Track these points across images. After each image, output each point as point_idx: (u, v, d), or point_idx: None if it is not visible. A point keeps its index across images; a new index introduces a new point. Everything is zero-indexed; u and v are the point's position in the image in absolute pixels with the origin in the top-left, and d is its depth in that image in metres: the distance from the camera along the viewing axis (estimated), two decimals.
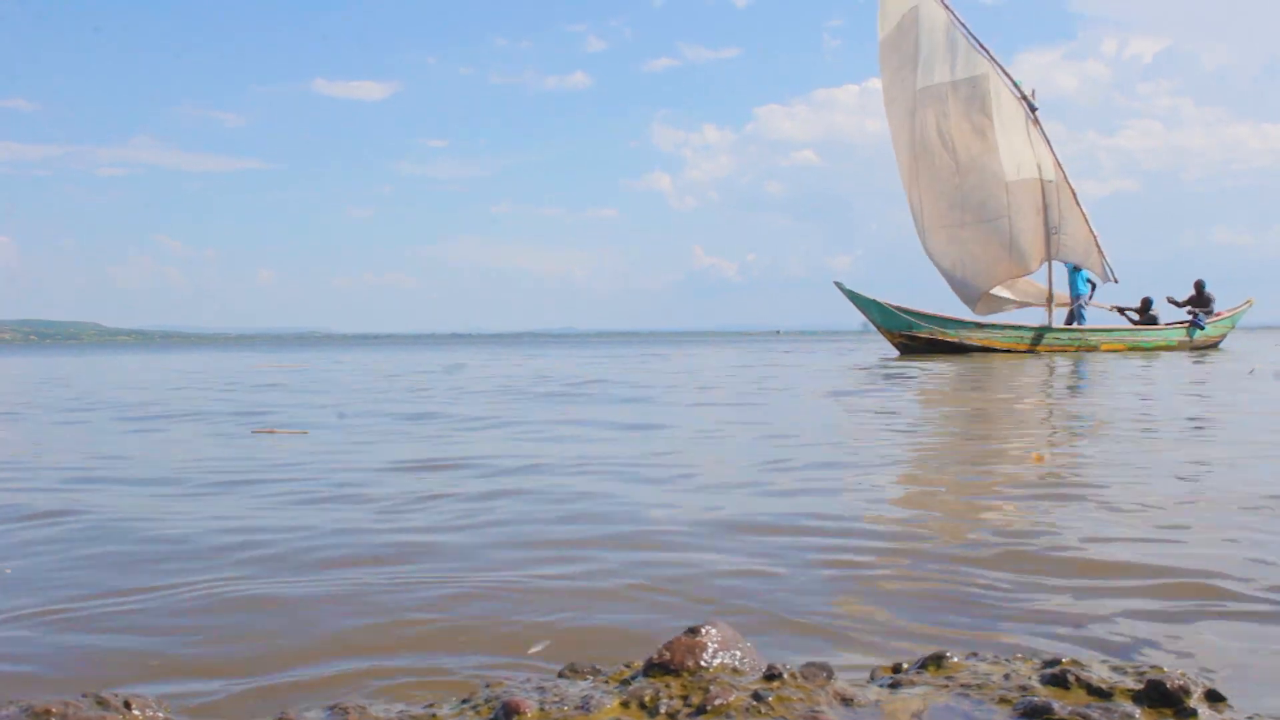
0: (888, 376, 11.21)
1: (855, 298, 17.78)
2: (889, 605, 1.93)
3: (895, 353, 17.88)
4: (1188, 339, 19.76)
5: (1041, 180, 18.76)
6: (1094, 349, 18.35)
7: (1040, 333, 18.23)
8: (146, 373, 16.73)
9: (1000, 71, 18.74)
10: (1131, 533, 2.56)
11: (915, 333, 17.65)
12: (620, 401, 8.01)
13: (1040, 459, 3.77)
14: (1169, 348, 19.30)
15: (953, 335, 17.69)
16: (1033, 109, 19.05)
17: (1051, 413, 6.57)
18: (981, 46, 18.66)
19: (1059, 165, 18.89)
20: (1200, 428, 5.35)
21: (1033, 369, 12.13)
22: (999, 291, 19.09)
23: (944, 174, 18.59)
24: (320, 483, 3.66)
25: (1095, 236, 18.80)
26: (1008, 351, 17.57)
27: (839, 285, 17.76)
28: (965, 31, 18.67)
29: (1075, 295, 19.18)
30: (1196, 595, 1.97)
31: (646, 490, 3.44)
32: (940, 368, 12.62)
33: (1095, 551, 2.34)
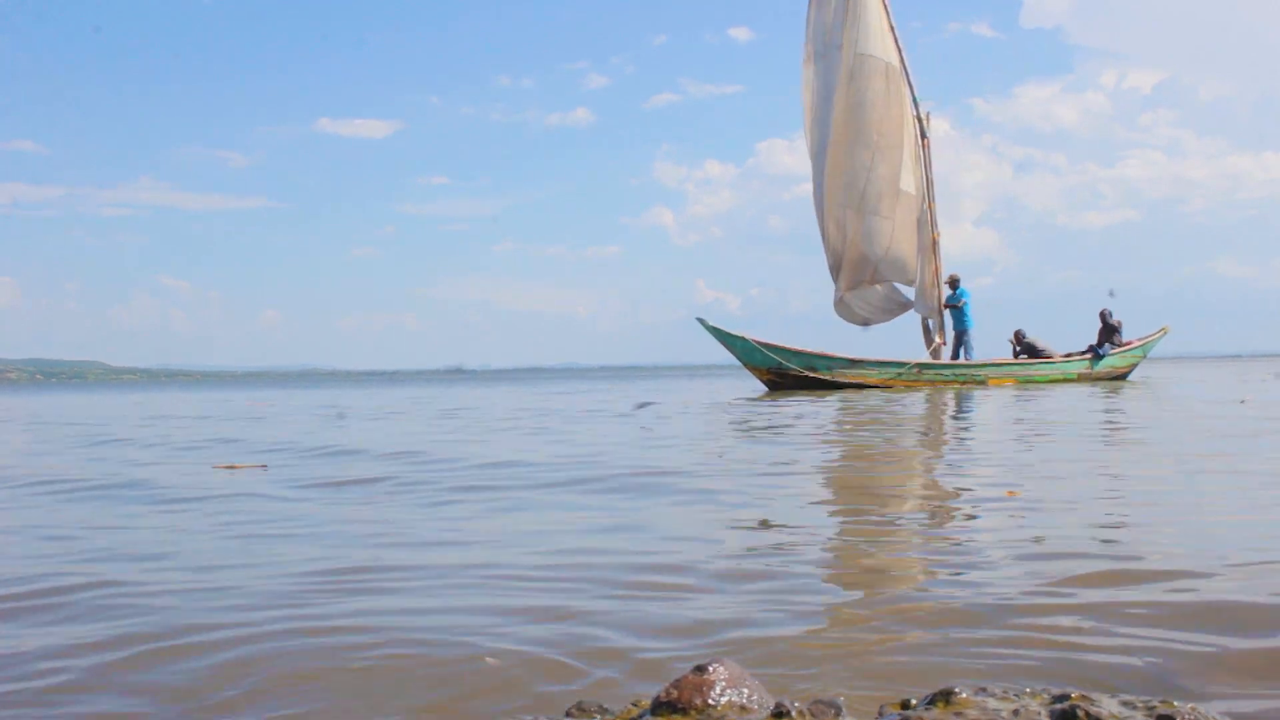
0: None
1: (718, 334, 16.87)
2: (895, 640, 1.88)
3: (764, 389, 16.98)
4: (1089, 371, 18.77)
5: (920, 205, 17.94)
6: (980, 383, 17.40)
7: (920, 367, 17.29)
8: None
9: (907, 78, 17.70)
10: (1135, 564, 2.43)
11: (784, 369, 16.75)
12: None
13: (1014, 494, 3.72)
14: (1068, 381, 18.32)
15: (824, 372, 16.77)
16: (923, 135, 18.19)
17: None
18: (897, 44, 17.55)
19: (932, 204, 18.05)
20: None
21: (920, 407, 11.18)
22: (850, 299, 18.13)
23: (856, 149, 17.30)
24: None
25: (940, 292, 18.02)
26: (882, 388, 16.64)
27: (701, 321, 16.89)
28: (888, 16, 17.43)
29: (961, 328, 18.26)
30: (1206, 625, 1.89)
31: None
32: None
33: (1096, 580, 2.26)
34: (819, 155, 17.59)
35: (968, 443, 6.59)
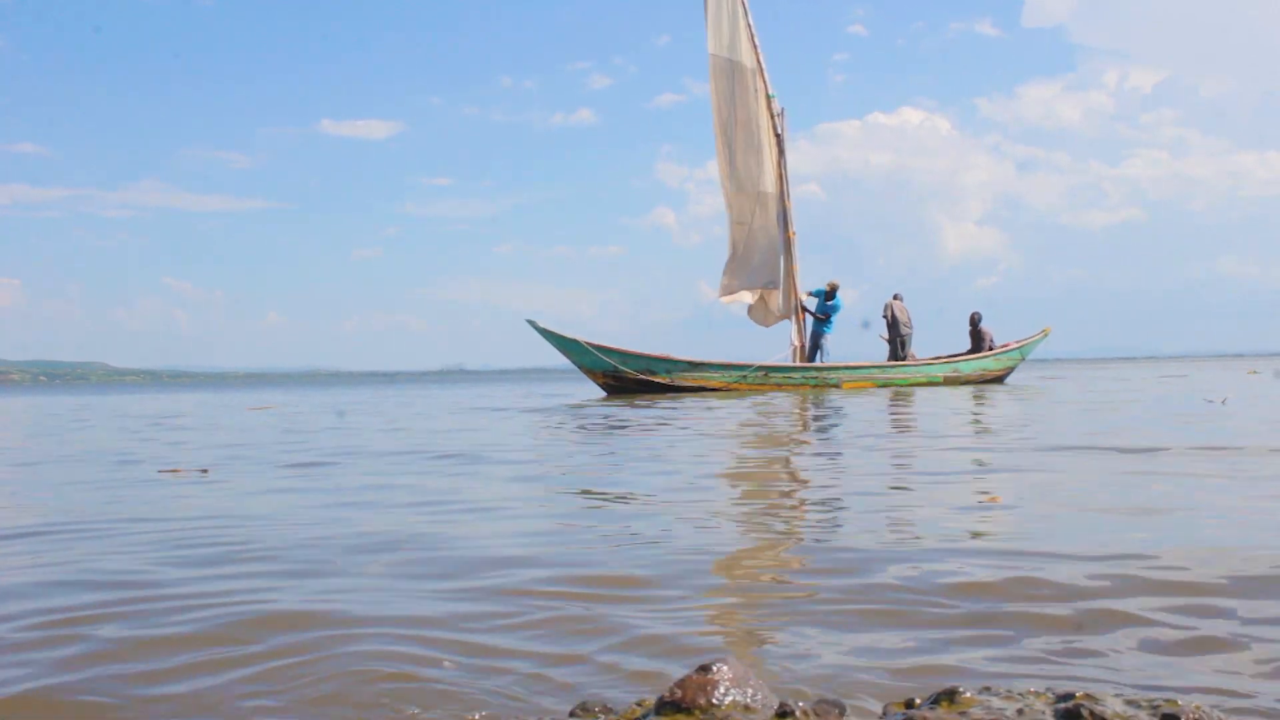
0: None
1: (551, 337, 16.31)
2: (897, 639, 1.87)
3: (602, 394, 16.43)
4: (956, 374, 18.14)
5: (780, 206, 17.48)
6: (834, 387, 16.82)
7: (765, 371, 16.72)
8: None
9: (761, 75, 17.26)
10: (1132, 565, 2.41)
11: (619, 373, 16.20)
12: None
13: (995, 499, 3.76)
14: (933, 384, 17.71)
15: (663, 376, 16.23)
16: (776, 132, 17.67)
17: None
18: (753, 40, 17.16)
19: (788, 202, 17.53)
20: None
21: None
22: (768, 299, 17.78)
23: (737, 152, 17.17)
24: None
25: (799, 299, 17.53)
26: (725, 390, 16.09)
27: (532, 323, 16.33)
28: (746, 14, 17.14)
29: (817, 330, 17.69)
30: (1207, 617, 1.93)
31: None
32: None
33: (1095, 581, 2.25)
34: (721, 158, 17.41)
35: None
